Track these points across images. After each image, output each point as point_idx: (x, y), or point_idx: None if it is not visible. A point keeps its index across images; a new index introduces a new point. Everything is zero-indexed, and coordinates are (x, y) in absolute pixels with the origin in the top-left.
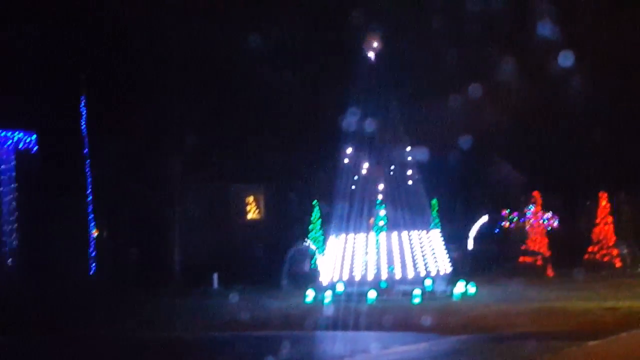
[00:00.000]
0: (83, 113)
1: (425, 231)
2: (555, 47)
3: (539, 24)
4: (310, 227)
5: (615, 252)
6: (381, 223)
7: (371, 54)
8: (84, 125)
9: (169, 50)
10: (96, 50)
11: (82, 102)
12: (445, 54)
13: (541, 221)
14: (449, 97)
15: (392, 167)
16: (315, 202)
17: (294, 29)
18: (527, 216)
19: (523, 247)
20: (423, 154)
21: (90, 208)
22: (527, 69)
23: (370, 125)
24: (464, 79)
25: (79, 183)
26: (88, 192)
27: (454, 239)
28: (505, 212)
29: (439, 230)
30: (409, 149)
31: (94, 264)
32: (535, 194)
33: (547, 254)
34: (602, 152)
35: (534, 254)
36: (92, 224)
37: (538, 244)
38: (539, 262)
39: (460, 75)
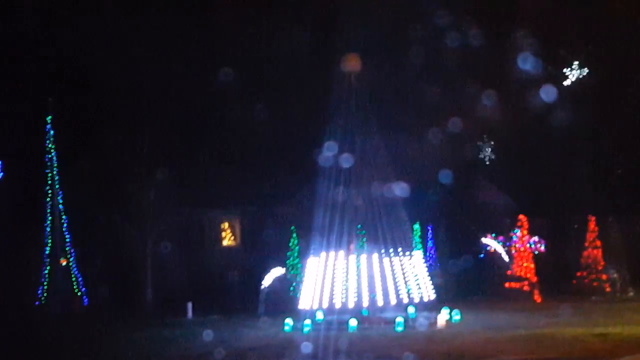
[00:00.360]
0: (50, 139)
1: (407, 257)
2: (542, 72)
3: (522, 53)
4: (288, 253)
5: (604, 276)
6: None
7: (352, 78)
8: (53, 152)
9: (141, 76)
10: (65, 79)
11: (49, 128)
12: (432, 78)
13: (527, 245)
14: (433, 122)
15: (373, 193)
16: (292, 228)
17: (269, 57)
18: (513, 240)
19: (509, 273)
20: (404, 184)
21: (49, 237)
22: (513, 93)
23: (350, 151)
24: (448, 104)
25: (44, 211)
26: (48, 220)
27: (437, 265)
28: (491, 236)
29: (421, 256)
30: (390, 176)
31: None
32: (522, 217)
33: (534, 279)
34: (589, 176)
35: (520, 279)
36: (60, 253)
37: (524, 269)
38: (526, 288)
39: (444, 100)
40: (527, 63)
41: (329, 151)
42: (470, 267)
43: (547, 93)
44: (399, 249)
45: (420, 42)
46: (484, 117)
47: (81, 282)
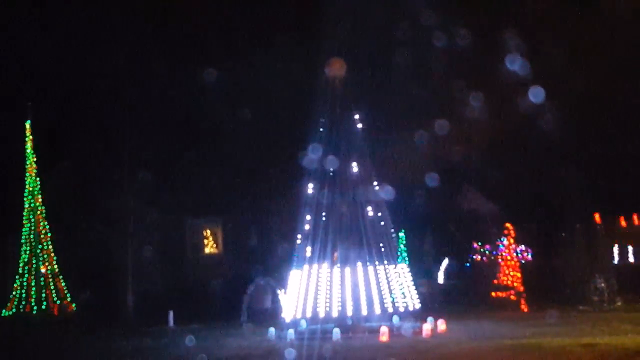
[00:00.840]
0: (30, 145)
1: (392, 265)
2: (527, 78)
3: (509, 57)
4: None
5: (592, 286)
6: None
7: (336, 82)
8: (32, 158)
9: (121, 81)
10: (45, 84)
11: (28, 134)
12: (415, 83)
13: (514, 254)
14: (418, 127)
15: (358, 199)
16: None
17: (251, 62)
18: (499, 249)
19: (495, 282)
20: (389, 189)
21: (26, 244)
22: (499, 99)
23: (332, 158)
24: (433, 110)
25: (20, 216)
26: (26, 227)
27: (423, 274)
28: (477, 244)
29: (406, 264)
30: (375, 183)
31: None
32: (508, 225)
33: (521, 288)
34: (577, 183)
35: (506, 288)
36: (40, 259)
37: (511, 278)
38: (513, 297)
39: (429, 106)
40: (514, 66)
41: (313, 155)
42: (455, 275)
43: (535, 95)
44: (384, 260)
45: (405, 44)
46: (470, 122)
47: (62, 290)
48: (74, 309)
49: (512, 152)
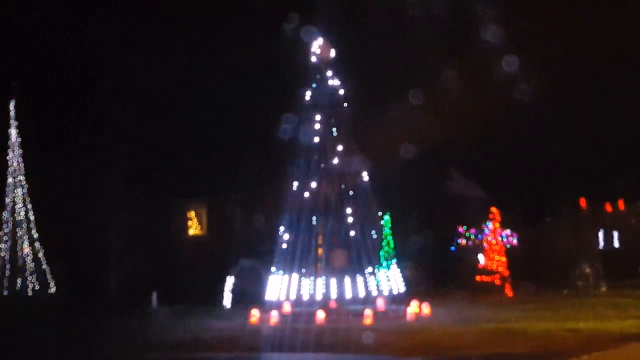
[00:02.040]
0: (12, 123)
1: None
2: (512, 61)
3: (494, 37)
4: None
5: (577, 271)
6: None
7: (318, 59)
8: (15, 137)
9: (109, 61)
10: (29, 61)
11: (12, 112)
12: (399, 64)
13: (499, 238)
14: (402, 109)
15: (342, 183)
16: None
17: (238, 40)
18: (484, 233)
19: (480, 266)
20: (375, 167)
21: (9, 224)
22: (483, 82)
23: (319, 137)
24: (418, 91)
25: (1, 197)
26: (6, 204)
27: (407, 257)
28: (462, 228)
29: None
30: (360, 164)
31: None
32: (494, 209)
33: (506, 273)
34: (563, 167)
35: (492, 273)
36: (24, 239)
37: (496, 262)
38: (497, 282)
39: (413, 87)
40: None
41: (297, 136)
42: (440, 259)
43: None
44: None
45: (388, 19)
46: (455, 102)
47: (44, 269)
48: (54, 289)
49: (498, 135)
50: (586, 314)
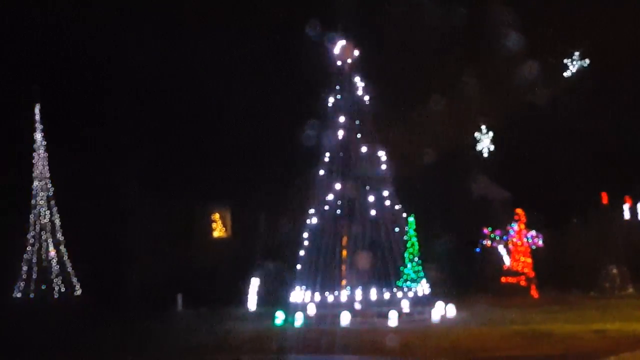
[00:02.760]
0: (38, 127)
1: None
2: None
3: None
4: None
5: (603, 272)
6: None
7: (341, 62)
8: (41, 141)
9: (133, 66)
10: (52, 67)
11: (37, 116)
12: (421, 67)
13: (525, 240)
14: (426, 111)
15: (366, 185)
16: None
17: (262, 45)
18: (510, 234)
19: (505, 267)
20: (400, 169)
21: (35, 227)
22: (507, 84)
23: (343, 140)
24: (441, 93)
25: (26, 202)
26: (32, 208)
27: (432, 258)
28: (487, 230)
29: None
30: (384, 166)
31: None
32: (519, 211)
33: (531, 274)
34: (589, 169)
35: (517, 274)
36: (49, 243)
37: (522, 263)
38: (523, 283)
39: (436, 90)
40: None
41: (321, 139)
42: (465, 261)
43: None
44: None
45: (415, 25)
46: (481, 107)
47: (70, 272)
48: (80, 292)
49: (524, 137)
50: (612, 316)
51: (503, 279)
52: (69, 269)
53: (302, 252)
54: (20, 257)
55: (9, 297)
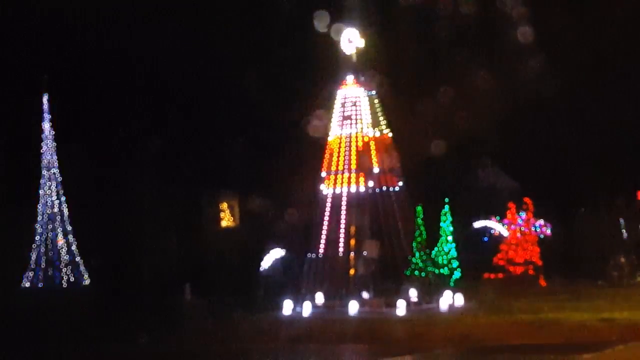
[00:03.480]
0: (46, 117)
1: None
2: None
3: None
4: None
5: (611, 261)
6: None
7: (351, 51)
8: (49, 131)
9: (141, 55)
10: (61, 57)
11: (45, 105)
12: (430, 57)
13: (533, 228)
14: (435, 101)
15: (375, 175)
16: None
17: (270, 36)
18: (518, 223)
19: (513, 256)
20: (408, 158)
21: (45, 215)
22: (518, 72)
23: (350, 130)
24: (453, 83)
25: (36, 190)
26: (41, 198)
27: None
28: (495, 219)
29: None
30: (392, 153)
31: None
32: (527, 200)
33: (539, 263)
34: (598, 158)
35: (525, 263)
36: (58, 232)
37: (530, 252)
38: (531, 272)
39: (446, 79)
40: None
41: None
42: (473, 250)
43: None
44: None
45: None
46: (488, 96)
47: (79, 262)
48: (88, 281)
49: (531, 126)
50: (621, 305)
51: (511, 268)
52: (78, 259)
53: (309, 242)
54: (29, 246)
55: (18, 286)
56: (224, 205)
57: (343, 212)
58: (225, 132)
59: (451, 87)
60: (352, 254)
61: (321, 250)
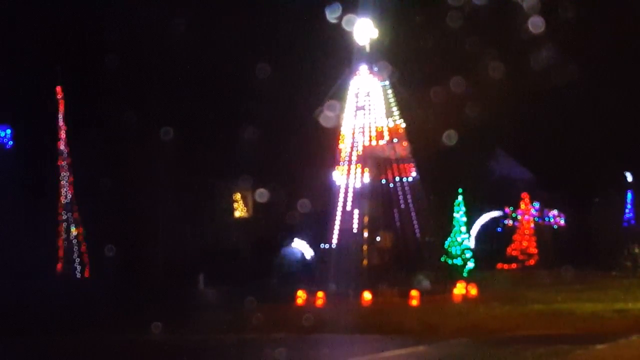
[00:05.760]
0: (60, 108)
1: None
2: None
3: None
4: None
5: (625, 251)
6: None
7: (364, 42)
8: (63, 121)
9: (153, 43)
10: (73, 46)
11: (59, 96)
12: (444, 48)
13: (546, 219)
14: (448, 91)
15: (388, 165)
16: None
17: (281, 24)
18: (531, 214)
19: (526, 246)
20: (422, 148)
21: (59, 207)
22: (531, 62)
23: (364, 121)
24: (466, 72)
25: (54, 181)
26: (60, 190)
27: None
28: (509, 209)
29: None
30: (405, 144)
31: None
32: (540, 191)
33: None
34: (611, 148)
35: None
36: (72, 223)
37: (543, 243)
38: (531, 262)
39: (459, 70)
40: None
41: (342, 119)
42: (487, 240)
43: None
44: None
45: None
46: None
47: (93, 252)
48: (102, 273)
49: (544, 116)
50: (635, 295)
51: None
52: (91, 250)
53: (322, 232)
54: (45, 239)
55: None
56: (238, 196)
57: (356, 203)
58: (240, 123)
59: (464, 77)
60: (365, 245)
61: (335, 241)
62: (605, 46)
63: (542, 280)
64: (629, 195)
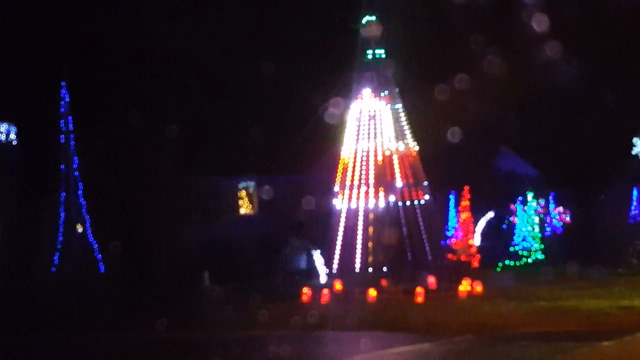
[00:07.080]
0: (64, 105)
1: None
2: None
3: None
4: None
5: (631, 248)
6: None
7: (367, 37)
8: (66, 118)
9: (158, 40)
10: (78, 43)
11: (63, 93)
12: (450, 41)
13: (552, 216)
14: (452, 88)
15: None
16: None
17: (287, 19)
18: (537, 210)
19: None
20: (426, 145)
21: (64, 203)
22: (536, 58)
23: (368, 117)
24: (471, 68)
25: (58, 178)
26: (65, 188)
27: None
28: (514, 206)
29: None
30: (410, 138)
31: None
32: (545, 187)
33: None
34: (613, 144)
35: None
36: (76, 220)
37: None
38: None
39: (463, 66)
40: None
41: (347, 115)
42: (492, 237)
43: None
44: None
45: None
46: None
47: (97, 249)
48: (105, 269)
49: (550, 112)
50: None
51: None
52: (95, 246)
53: (327, 229)
54: (53, 234)
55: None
56: (242, 193)
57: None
58: (244, 119)
59: (468, 74)
60: (370, 242)
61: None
62: (611, 42)
63: (547, 277)
64: (635, 192)
